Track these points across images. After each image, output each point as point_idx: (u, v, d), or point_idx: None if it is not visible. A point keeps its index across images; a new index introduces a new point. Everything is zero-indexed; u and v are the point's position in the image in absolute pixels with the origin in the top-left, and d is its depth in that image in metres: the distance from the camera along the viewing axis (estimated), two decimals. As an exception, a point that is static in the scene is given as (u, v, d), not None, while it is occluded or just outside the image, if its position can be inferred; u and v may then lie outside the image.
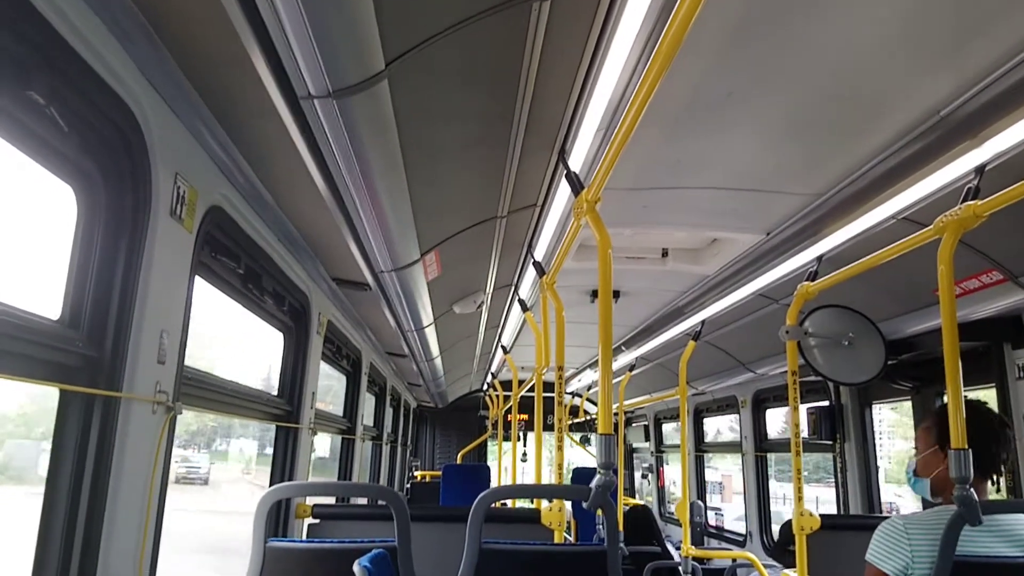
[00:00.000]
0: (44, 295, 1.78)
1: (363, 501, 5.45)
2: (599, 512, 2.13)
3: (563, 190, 3.16)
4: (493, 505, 2.30)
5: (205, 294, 2.73)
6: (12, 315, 1.56)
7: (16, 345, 1.58)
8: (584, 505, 2.07)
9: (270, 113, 1.94)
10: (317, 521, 3.59)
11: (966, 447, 2.08)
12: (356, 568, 2.10)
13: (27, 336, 1.61)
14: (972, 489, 2.05)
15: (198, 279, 2.41)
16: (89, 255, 1.87)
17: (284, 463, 3.72)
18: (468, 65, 2.25)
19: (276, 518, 3.52)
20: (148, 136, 1.91)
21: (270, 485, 3.32)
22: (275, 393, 3.74)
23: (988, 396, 3.89)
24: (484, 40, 2.11)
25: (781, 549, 4.22)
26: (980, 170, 2.46)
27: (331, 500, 4.53)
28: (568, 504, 3.57)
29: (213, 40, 1.85)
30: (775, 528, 6.69)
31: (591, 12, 2.07)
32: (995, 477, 2.30)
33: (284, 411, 3.71)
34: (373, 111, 1.94)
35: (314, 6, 1.49)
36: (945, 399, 2.31)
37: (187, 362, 2.35)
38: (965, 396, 2.23)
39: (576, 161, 2.80)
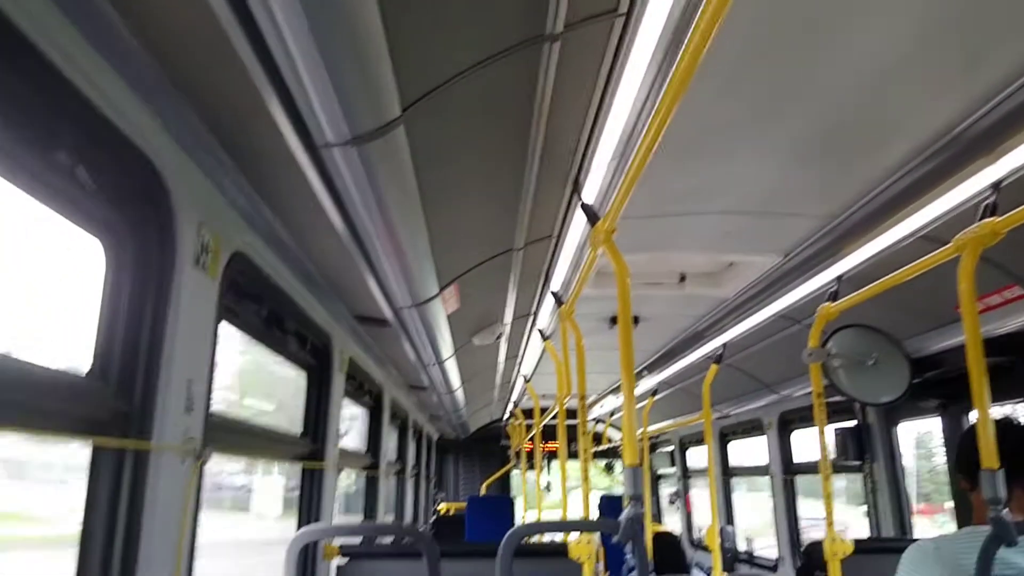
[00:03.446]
0: (73, 349, 1.81)
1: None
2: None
3: (578, 221, 3.18)
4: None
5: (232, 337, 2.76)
6: (45, 373, 1.59)
7: (49, 402, 1.61)
8: (614, 539, 2.05)
9: (289, 162, 1.98)
10: (346, 560, 3.58)
11: (997, 466, 2.04)
12: None
13: (59, 393, 1.64)
14: (1007, 510, 2.01)
15: (223, 324, 2.43)
16: (117, 307, 1.89)
17: (311, 503, 3.71)
18: (482, 106, 2.28)
19: (304, 560, 3.50)
20: (172, 188, 1.95)
21: (298, 527, 3.31)
22: (299, 433, 3.75)
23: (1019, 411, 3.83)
24: (497, 81, 2.14)
25: (806, 574, 4.14)
26: (996, 186, 2.44)
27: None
28: (596, 534, 3.53)
29: (232, 93, 1.90)
30: None
31: (601, 49, 2.10)
32: None
33: (309, 450, 3.72)
34: (390, 155, 1.97)
35: (331, 56, 1.52)
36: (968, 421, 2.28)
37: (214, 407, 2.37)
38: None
39: (590, 192, 2.82)
